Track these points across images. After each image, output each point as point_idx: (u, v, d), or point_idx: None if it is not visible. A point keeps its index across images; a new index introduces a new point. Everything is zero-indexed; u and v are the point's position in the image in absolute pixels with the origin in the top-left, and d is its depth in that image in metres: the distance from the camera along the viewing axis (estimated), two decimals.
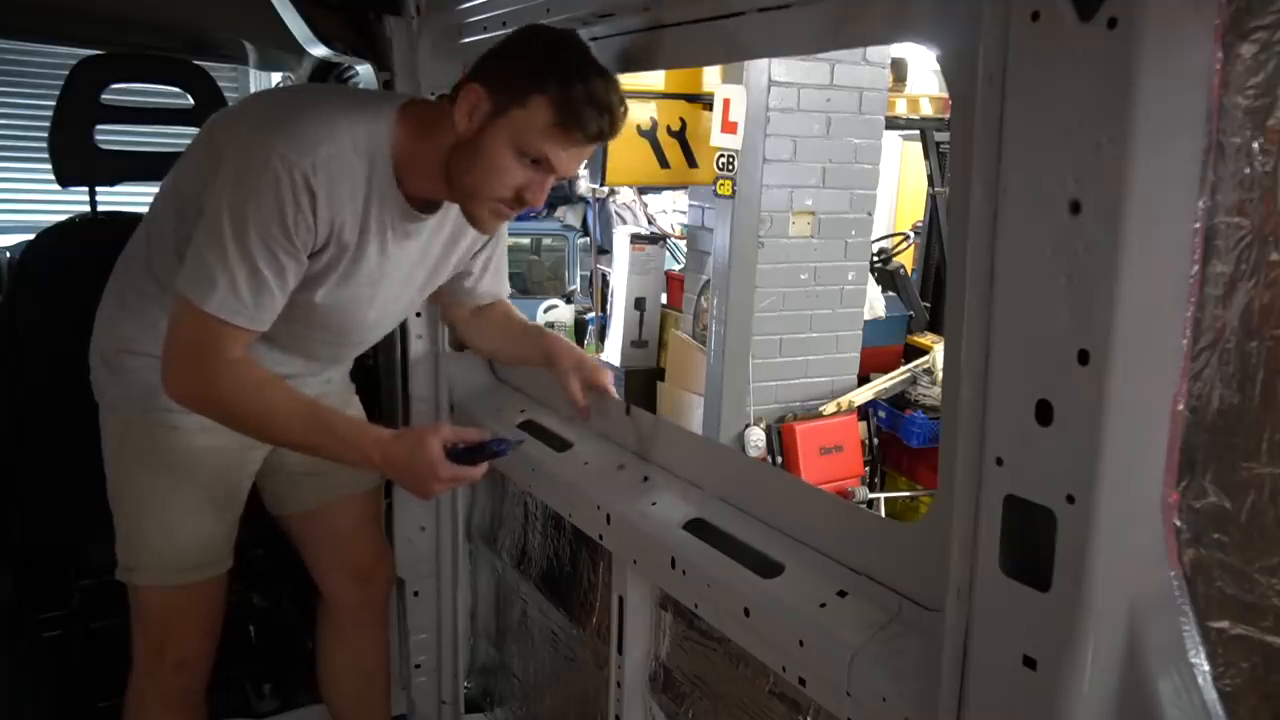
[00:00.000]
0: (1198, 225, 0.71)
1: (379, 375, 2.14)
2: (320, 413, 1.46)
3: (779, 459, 4.03)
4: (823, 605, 1.12)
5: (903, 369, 4.49)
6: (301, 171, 1.33)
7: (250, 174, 1.34)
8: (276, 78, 3.09)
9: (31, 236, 2.01)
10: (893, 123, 4.71)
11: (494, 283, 1.81)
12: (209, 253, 1.34)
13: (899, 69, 4.68)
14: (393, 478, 1.46)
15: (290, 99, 1.51)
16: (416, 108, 1.49)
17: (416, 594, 2.17)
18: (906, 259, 5.51)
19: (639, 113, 3.85)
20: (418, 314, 1.94)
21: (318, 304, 1.50)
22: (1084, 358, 0.72)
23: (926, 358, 4.52)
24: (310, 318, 1.52)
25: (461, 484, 1.49)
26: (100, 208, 2.02)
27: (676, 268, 5.09)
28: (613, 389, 1.65)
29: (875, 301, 4.68)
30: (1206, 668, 0.76)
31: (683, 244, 5.11)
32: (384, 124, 1.43)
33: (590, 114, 1.33)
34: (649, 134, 3.95)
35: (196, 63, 2.16)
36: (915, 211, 6.33)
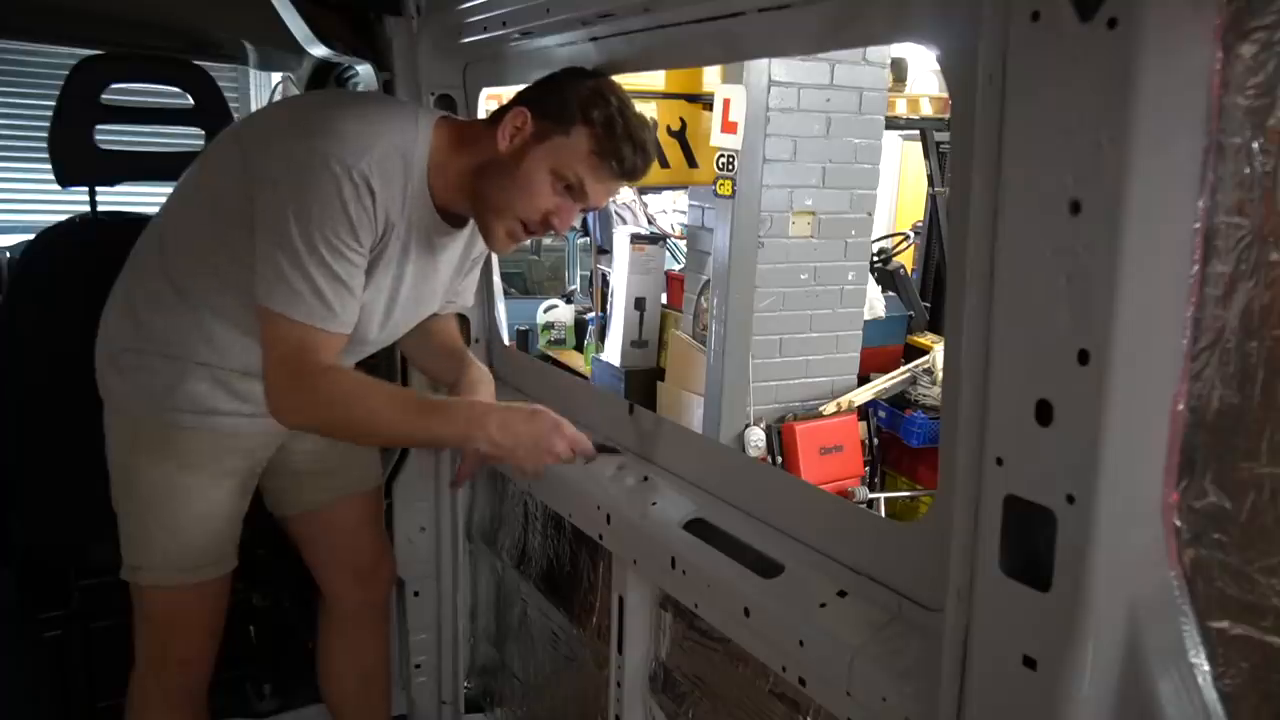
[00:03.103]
0: (1198, 225, 0.71)
1: (379, 375, 2.13)
2: (425, 400, 1.53)
3: (779, 459, 4.03)
4: (823, 605, 1.12)
5: (903, 369, 4.49)
6: (360, 172, 1.35)
7: (309, 181, 1.34)
8: (276, 78, 3.09)
9: (31, 236, 2.01)
10: (893, 123, 4.70)
11: (464, 296, 1.83)
12: (285, 265, 1.35)
13: (899, 69, 4.68)
14: (508, 443, 1.43)
15: (319, 105, 1.52)
16: (450, 122, 1.53)
17: (416, 594, 2.17)
18: (906, 259, 5.51)
19: None
20: None
21: None
22: (1084, 358, 0.72)
23: (926, 358, 4.51)
24: None
25: (576, 455, 1.48)
26: (100, 208, 2.02)
27: (676, 268, 5.08)
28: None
29: (875, 301, 4.67)
30: (1206, 668, 0.75)
31: (683, 244, 5.11)
32: (422, 134, 1.46)
33: (627, 150, 1.41)
34: None
35: (196, 63, 2.16)
36: (915, 211, 6.32)
